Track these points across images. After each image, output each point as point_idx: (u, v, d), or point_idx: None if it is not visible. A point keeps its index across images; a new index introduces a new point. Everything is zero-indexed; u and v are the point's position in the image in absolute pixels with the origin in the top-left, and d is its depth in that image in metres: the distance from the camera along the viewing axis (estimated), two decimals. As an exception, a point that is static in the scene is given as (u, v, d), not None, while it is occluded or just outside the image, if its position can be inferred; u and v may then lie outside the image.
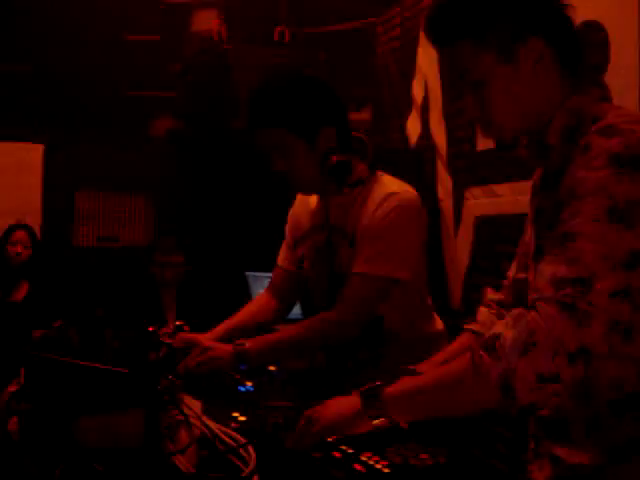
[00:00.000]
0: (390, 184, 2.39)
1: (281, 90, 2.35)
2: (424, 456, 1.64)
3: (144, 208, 6.61)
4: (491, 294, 1.98)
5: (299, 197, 2.66)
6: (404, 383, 1.65)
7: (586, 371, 1.34)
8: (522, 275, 1.79)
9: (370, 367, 2.39)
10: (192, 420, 1.75)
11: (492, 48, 1.54)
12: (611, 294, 1.35)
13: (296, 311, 2.97)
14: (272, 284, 2.77)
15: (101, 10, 6.01)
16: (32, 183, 6.32)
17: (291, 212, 2.71)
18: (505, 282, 1.94)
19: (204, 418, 1.78)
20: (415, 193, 2.40)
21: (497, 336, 1.42)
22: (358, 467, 1.57)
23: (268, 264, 2.87)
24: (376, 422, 1.64)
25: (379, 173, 2.42)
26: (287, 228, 2.72)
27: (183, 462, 1.61)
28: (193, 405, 1.84)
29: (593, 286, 1.35)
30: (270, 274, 2.82)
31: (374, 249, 2.31)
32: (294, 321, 2.64)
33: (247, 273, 4.53)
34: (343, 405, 1.72)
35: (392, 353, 2.37)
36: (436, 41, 1.63)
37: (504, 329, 1.42)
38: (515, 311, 1.44)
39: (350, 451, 1.65)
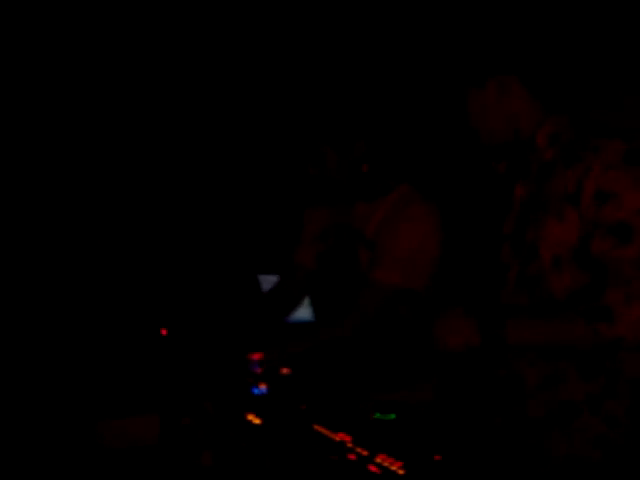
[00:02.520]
0: (414, 197, 2.43)
1: (319, 104, 2.41)
2: (437, 458, 1.65)
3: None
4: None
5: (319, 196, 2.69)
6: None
7: None
8: None
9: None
10: (210, 422, 1.77)
11: (468, 78, 1.92)
12: None
13: (301, 314, 2.99)
14: (286, 278, 2.79)
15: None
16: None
17: (312, 210, 2.73)
18: None
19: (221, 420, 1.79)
20: (436, 208, 2.43)
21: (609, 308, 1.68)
22: (373, 469, 1.58)
23: (280, 266, 2.89)
24: None
25: (405, 185, 2.47)
26: (308, 222, 2.74)
27: (201, 462, 1.63)
28: (210, 408, 1.86)
29: None
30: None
31: (392, 258, 2.34)
32: (304, 324, 2.65)
33: (260, 276, 4.53)
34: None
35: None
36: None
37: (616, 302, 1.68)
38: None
39: (365, 454, 1.66)
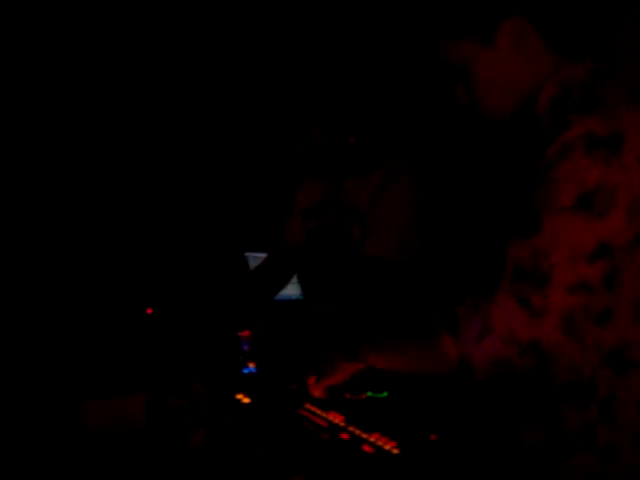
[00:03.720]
0: (403, 170, 2.40)
1: (301, 81, 2.37)
2: (433, 437, 1.63)
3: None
4: None
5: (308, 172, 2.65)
6: (379, 342, 1.74)
7: (536, 361, 1.41)
8: None
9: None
10: (198, 403, 1.74)
11: (472, 35, 1.54)
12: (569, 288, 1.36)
13: (289, 291, 2.96)
14: (274, 254, 2.75)
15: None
16: None
17: (302, 185, 2.69)
18: None
19: (209, 400, 1.76)
20: (424, 180, 2.41)
21: (458, 318, 1.48)
22: (367, 449, 1.55)
23: (268, 244, 2.85)
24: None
25: (394, 157, 2.43)
26: (298, 197, 2.70)
27: (189, 443, 1.59)
28: (198, 388, 1.83)
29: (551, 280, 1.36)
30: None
31: (384, 233, 2.32)
32: (292, 301, 2.62)
33: (247, 254, 4.50)
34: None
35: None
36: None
37: (465, 313, 1.48)
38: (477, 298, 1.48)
39: (358, 433, 1.63)
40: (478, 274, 2.11)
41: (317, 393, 1.78)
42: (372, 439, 1.59)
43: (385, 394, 1.94)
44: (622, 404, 1.43)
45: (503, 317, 1.40)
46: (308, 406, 1.83)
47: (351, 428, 1.66)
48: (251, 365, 2.25)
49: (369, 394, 1.93)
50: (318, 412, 1.79)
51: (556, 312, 1.37)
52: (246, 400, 1.92)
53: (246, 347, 2.34)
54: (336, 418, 1.73)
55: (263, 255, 2.95)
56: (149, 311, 2.54)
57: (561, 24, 1.54)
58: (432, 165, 2.65)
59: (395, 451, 1.54)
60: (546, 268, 1.36)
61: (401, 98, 3.61)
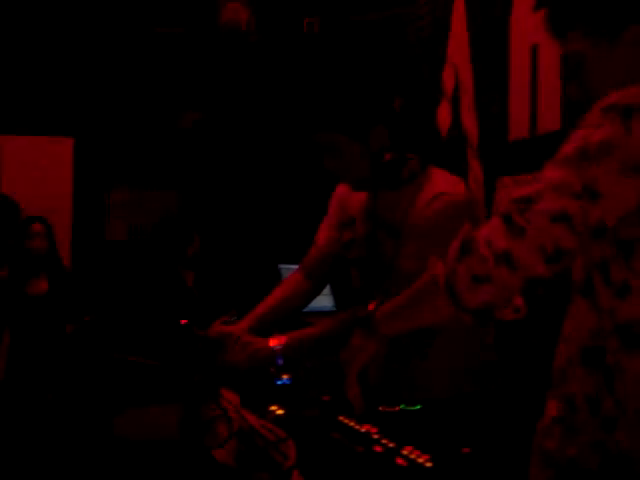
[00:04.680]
0: (441, 182, 2.36)
1: (332, 93, 2.33)
2: (466, 450, 1.62)
3: (173, 203, 6.61)
4: None
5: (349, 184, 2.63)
6: (389, 303, 1.77)
7: (509, 275, 1.45)
8: None
9: (417, 356, 2.37)
10: (231, 414, 1.74)
11: (595, 33, 1.56)
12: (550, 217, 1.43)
13: (322, 303, 2.95)
14: (307, 264, 2.74)
15: (129, 3, 6.03)
16: (62, 177, 6.34)
17: (339, 192, 2.67)
18: None
19: (243, 412, 1.76)
20: (465, 193, 2.37)
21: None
22: (400, 461, 1.55)
23: (301, 256, 2.85)
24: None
25: (431, 168, 2.40)
26: (333, 208, 2.68)
27: (222, 456, 1.60)
28: (231, 399, 1.84)
29: (534, 205, 1.44)
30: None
31: (420, 248, 2.29)
32: (324, 313, 2.62)
33: (280, 266, 4.52)
34: (353, 344, 1.81)
35: (439, 343, 2.34)
36: (552, 32, 1.66)
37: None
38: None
39: (391, 445, 1.63)
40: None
41: (353, 392, 1.78)
42: (405, 452, 1.59)
43: (419, 407, 1.93)
44: (625, 377, 1.47)
45: (486, 231, 1.49)
46: (342, 418, 1.83)
47: (384, 441, 1.66)
48: (285, 377, 2.25)
49: (402, 407, 1.93)
50: (352, 424, 1.79)
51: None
52: (280, 412, 1.93)
53: (280, 360, 2.34)
54: (370, 430, 1.73)
55: (296, 267, 2.95)
56: (183, 322, 2.55)
57: None
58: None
59: (428, 464, 1.53)
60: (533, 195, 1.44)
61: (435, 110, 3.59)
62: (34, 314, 4.86)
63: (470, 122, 4.33)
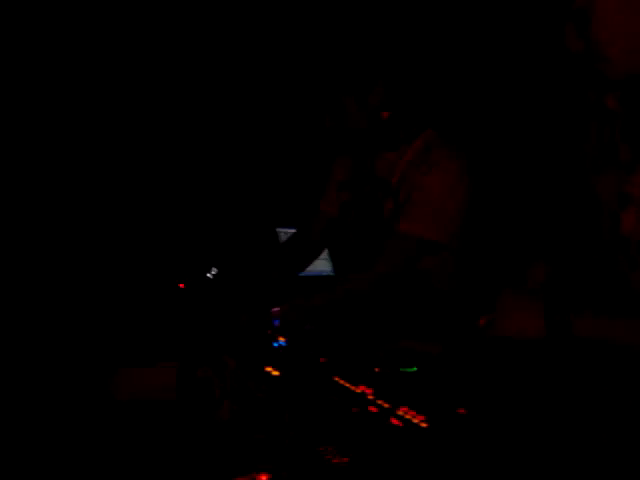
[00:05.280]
0: (438, 143, 2.35)
1: (333, 52, 2.32)
2: (461, 411, 1.61)
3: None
4: None
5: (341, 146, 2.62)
6: None
7: None
8: None
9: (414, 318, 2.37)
10: (227, 375, 1.74)
11: None
12: None
13: (320, 267, 2.95)
14: (310, 228, 2.73)
15: None
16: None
17: (339, 155, 2.67)
18: None
19: (239, 373, 1.76)
20: (463, 153, 2.36)
21: None
22: (395, 422, 1.54)
23: (300, 219, 2.84)
24: None
25: (429, 130, 2.38)
26: (333, 170, 2.68)
27: (218, 417, 1.59)
28: (227, 360, 1.83)
29: None
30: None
31: (417, 208, 2.28)
32: (323, 277, 2.61)
33: (279, 229, 4.50)
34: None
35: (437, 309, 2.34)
36: None
37: None
38: None
39: (386, 406, 1.62)
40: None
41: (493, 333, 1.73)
42: (400, 412, 1.58)
43: (415, 369, 1.93)
44: None
45: None
46: (337, 379, 1.83)
47: (380, 401, 1.65)
48: (281, 339, 2.25)
49: (400, 369, 1.92)
50: (347, 385, 1.78)
51: None
52: (275, 373, 1.92)
53: (277, 322, 2.34)
54: (365, 391, 1.73)
55: (294, 230, 2.94)
56: (181, 286, 2.54)
57: None
58: (476, 140, 2.60)
59: (423, 425, 1.53)
60: None
61: (438, 69, 3.56)
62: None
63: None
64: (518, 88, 3.70)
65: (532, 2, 1.50)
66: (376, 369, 1.91)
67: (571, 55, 1.45)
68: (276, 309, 2.33)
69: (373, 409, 1.62)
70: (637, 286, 1.57)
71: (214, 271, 2.56)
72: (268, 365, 1.97)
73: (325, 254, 3.16)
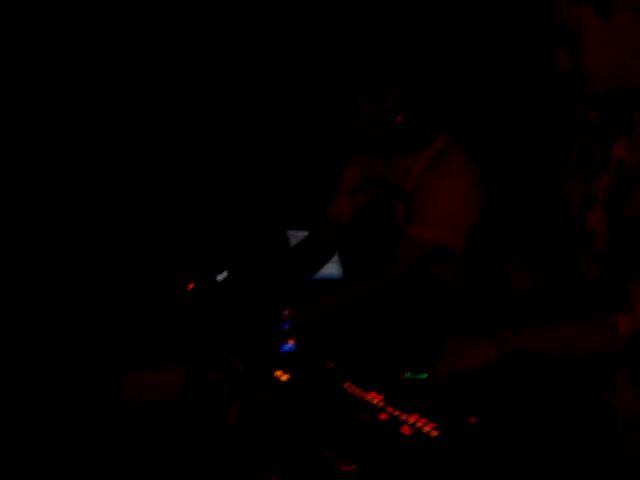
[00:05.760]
0: (453, 149, 2.34)
1: (347, 52, 2.32)
2: (472, 420, 1.59)
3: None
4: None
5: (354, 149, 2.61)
6: (530, 328, 1.72)
7: None
8: None
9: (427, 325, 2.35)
10: (235, 378, 1.72)
11: (590, 2, 1.55)
12: None
13: (330, 270, 2.93)
14: (318, 230, 2.72)
15: None
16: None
17: (352, 159, 2.65)
18: None
19: (248, 377, 1.74)
20: (477, 161, 2.35)
21: (631, 293, 1.50)
22: (405, 430, 1.52)
23: (310, 223, 2.83)
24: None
25: (444, 136, 2.37)
26: (346, 175, 2.66)
27: (225, 420, 1.58)
28: (236, 364, 1.81)
29: None
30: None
31: (430, 214, 2.27)
32: (333, 281, 2.59)
33: (289, 231, 4.48)
34: (471, 340, 1.77)
35: (451, 315, 2.32)
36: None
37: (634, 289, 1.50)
38: None
39: (396, 414, 1.60)
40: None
41: (442, 372, 1.77)
42: (411, 421, 1.57)
43: (425, 375, 1.91)
44: None
45: None
46: (347, 385, 1.81)
47: (390, 409, 1.63)
48: (290, 342, 2.23)
49: (408, 375, 1.90)
50: (357, 392, 1.76)
51: None
52: (284, 377, 1.90)
53: (286, 325, 2.32)
54: (375, 398, 1.71)
55: (304, 233, 2.92)
56: (190, 286, 2.53)
57: None
58: (485, 145, 2.57)
59: (434, 433, 1.51)
60: None
61: (453, 76, 3.54)
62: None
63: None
64: (518, 99, 3.70)
65: (530, 24, 1.65)
66: (386, 374, 1.89)
67: (560, 73, 1.62)
68: (286, 312, 2.32)
69: (383, 416, 1.60)
70: (594, 280, 1.65)
71: (224, 274, 2.55)
72: (277, 369, 1.95)
73: (335, 257, 3.14)
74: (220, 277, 2.54)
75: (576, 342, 1.62)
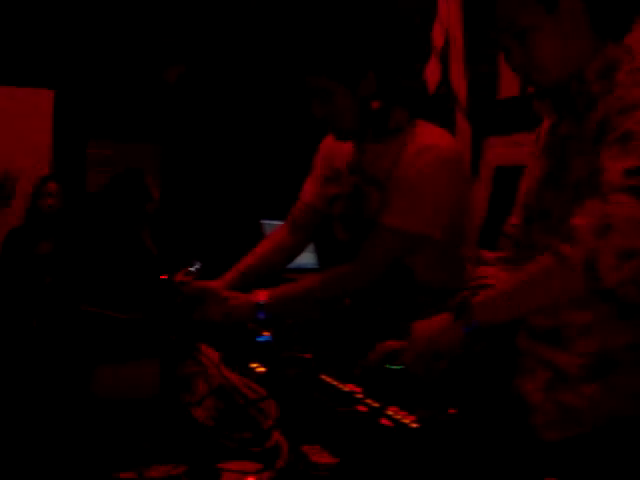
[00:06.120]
0: (430, 135, 2.31)
1: (321, 36, 2.28)
2: (452, 411, 1.58)
3: (155, 157, 6.51)
4: (486, 254, 2.02)
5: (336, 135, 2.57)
6: (489, 291, 1.74)
7: None
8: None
9: (400, 315, 2.32)
10: (210, 371, 1.69)
11: (539, 2, 1.69)
12: None
13: (305, 260, 2.91)
14: (292, 220, 2.68)
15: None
16: (42, 129, 6.23)
17: (324, 146, 2.62)
18: (507, 233, 1.93)
19: (223, 369, 1.71)
20: (454, 147, 2.32)
21: (571, 227, 1.51)
22: (385, 422, 1.50)
23: (284, 212, 2.80)
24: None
25: (419, 122, 2.34)
26: (318, 162, 2.63)
27: (200, 414, 1.55)
28: (211, 356, 1.79)
29: None
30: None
31: (406, 202, 2.23)
32: (307, 270, 2.57)
33: (263, 221, 4.46)
34: (434, 322, 1.77)
35: (423, 304, 2.29)
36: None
37: (576, 220, 1.51)
38: (586, 203, 1.53)
39: (376, 405, 1.58)
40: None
41: (408, 359, 1.77)
42: (390, 412, 1.55)
43: (401, 366, 1.89)
44: None
45: (621, 209, 1.47)
46: (324, 377, 1.79)
47: (368, 400, 1.61)
48: (266, 334, 2.20)
49: (386, 366, 1.88)
50: (335, 383, 1.74)
51: None
52: (261, 369, 1.88)
53: (262, 315, 2.29)
54: (353, 390, 1.69)
55: (278, 222, 2.89)
56: (164, 277, 2.50)
57: (607, 12, 1.71)
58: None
59: (414, 425, 1.49)
60: None
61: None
62: (29, 272, 4.77)
63: (459, 80, 4.27)
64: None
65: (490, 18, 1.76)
66: (361, 365, 1.87)
67: (514, 65, 1.76)
68: (262, 301, 2.29)
69: (362, 408, 1.58)
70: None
71: (197, 265, 2.52)
72: (253, 361, 1.93)
73: (310, 247, 3.12)
74: (194, 268, 2.50)
75: (544, 286, 1.60)
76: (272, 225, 4.24)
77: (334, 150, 2.53)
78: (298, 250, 2.72)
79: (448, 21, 4.36)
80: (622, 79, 1.62)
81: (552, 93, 1.79)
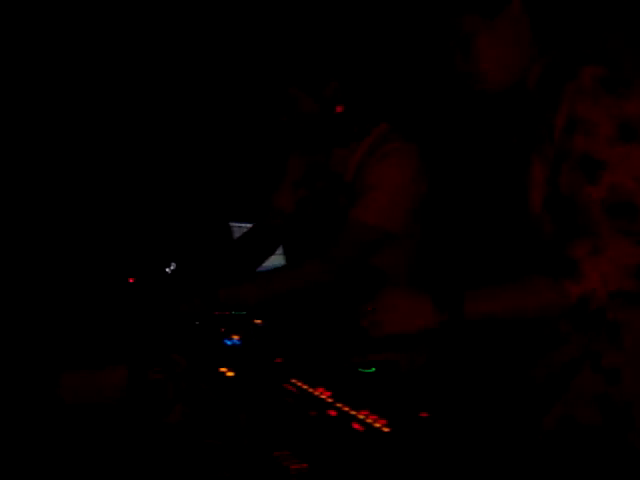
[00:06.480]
0: (392, 137, 2.34)
1: (288, 45, 2.31)
2: (423, 414, 1.57)
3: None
4: None
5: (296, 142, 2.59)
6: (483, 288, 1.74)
7: None
8: None
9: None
10: (178, 376, 1.67)
11: (480, 9, 1.71)
12: None
13: (274, 262, 2.91)
14: (264, 224, 2.70)
15: None
16: None
17: (294, 155, 2.64)
18: None
19: (191, 374, 1.70)
20: (416, 147, 2.35)
21: (575, 262, 1.57)
22: (356, 426, 1.49)
23: (253, 215, 2.80)
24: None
25: (383, 125, 2.38)
26: (290, 168, 2.65)
27: (170, 419, 1.53)
28: (179, 361, 1.77)
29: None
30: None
31: (370, 199, 2.27)
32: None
33: (231, 224, 4.44)
34: (410, 301, 1.76)
35: None
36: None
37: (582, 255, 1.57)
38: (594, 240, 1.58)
39: (346, 409, 1.57)
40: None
41: (377, 333, 1.75)
42: (361, 416, 1.53)
43: (373, 369, 1.88)
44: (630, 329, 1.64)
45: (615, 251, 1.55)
46: (294, 381, 1.77)
47: (339, 404, 1.60)
48: (235, 337, 2.19)
49: (359, 369, 1.87)
50: (305, 387, 1.73)
51: None
52: (230, 374, 1.86)
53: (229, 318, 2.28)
54: (323, 394, 1.67)
55: (248, 225, 2.88)
56: (131, 280, 2.47)
57: (548, 19, 1.75)
58: (423, 133, 2.58)
59: (385, 429, 1.48)
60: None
61: (390, 67, 3.54)
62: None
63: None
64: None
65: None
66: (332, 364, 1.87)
67: (457, 72, 1.78)
68: (222, 292, 2.31)
69: (332, 412, 1.56)
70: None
71: (172, 266, 2.51)
72: (222, 365, 1.90)
73: (279, 250, 3.11)
74: (169, 269, 2.49)
75: (527, 303, 1.66)
76: (241, 228, 4.22)
77: (304, 155, 2.56)
78: (268, 253, 2.74)
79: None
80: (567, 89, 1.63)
81: (494, 103, 1.83)
